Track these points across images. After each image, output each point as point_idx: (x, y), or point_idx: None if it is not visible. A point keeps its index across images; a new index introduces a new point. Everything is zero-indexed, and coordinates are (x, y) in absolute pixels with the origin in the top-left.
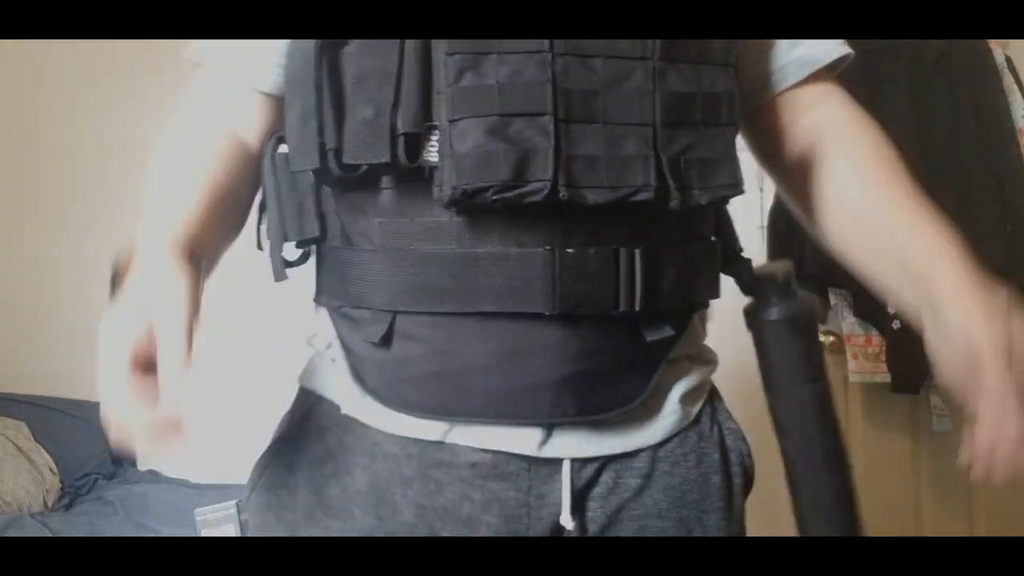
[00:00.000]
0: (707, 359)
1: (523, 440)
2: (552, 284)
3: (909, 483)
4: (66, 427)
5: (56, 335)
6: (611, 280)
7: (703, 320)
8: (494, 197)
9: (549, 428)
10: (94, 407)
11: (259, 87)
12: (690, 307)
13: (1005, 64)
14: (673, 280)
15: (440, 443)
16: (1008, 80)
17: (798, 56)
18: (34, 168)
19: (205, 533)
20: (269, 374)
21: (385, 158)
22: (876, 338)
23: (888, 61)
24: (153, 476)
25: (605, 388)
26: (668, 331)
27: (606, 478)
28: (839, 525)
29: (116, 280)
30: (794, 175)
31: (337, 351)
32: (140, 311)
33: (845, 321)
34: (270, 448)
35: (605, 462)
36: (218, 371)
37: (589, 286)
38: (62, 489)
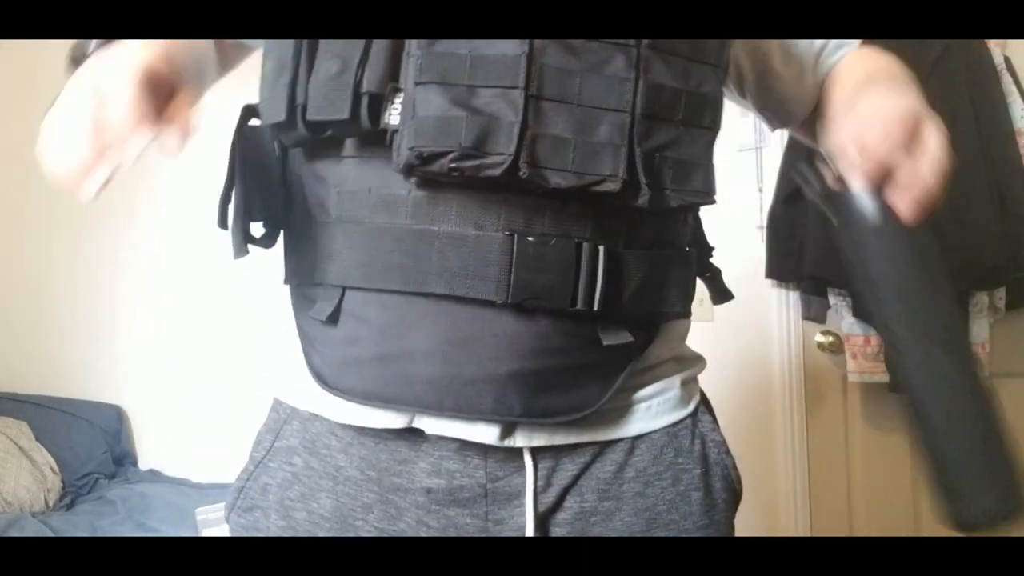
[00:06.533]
0: (689, 364)
1: (480, 433)
2: (508, 271)
3: (908, 481)
4: (67, 427)
5: (57, 336)
6: (570, 275)
7: (686, 326)
8: (451, 165)
9: (509, 427)
10: (96, 407)
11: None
12: (656, 315)
13: (1004, 65)
14: (638, 284)
15: (401, 461)
16: (1007, 81)
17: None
18: (36, 170)
19: (206, 532)
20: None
21: (344, 115)
22: (875, 338)
23: None
24: (154, 475)
25: (557, 391)
26: (627, 337)
27: (571, 502)
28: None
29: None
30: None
31: (294, 340)
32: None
33: (844, 321)
34: (246, 468)
35: (567, 488)
36: (219, 371)
37: (546, 278)
38: (63, 488)
